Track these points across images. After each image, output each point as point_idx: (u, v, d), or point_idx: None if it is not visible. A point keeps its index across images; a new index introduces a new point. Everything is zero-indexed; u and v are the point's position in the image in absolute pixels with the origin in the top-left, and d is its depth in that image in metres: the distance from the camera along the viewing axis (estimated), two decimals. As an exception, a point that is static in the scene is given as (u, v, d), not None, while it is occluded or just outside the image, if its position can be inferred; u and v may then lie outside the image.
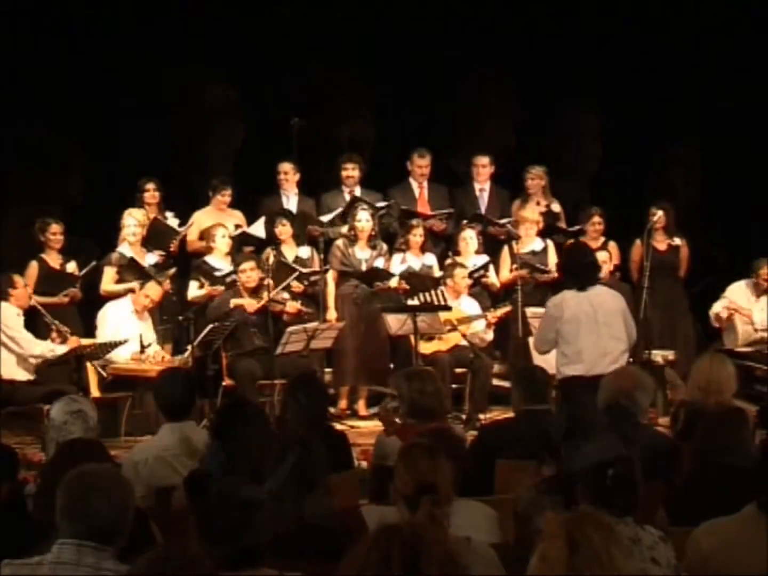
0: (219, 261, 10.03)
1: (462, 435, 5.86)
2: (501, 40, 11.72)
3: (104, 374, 9.10)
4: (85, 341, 9.27)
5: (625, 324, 7.38)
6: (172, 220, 10.40)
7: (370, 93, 11.94)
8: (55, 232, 9.74)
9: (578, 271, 7.52)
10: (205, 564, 3.12)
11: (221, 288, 9.77)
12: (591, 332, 7.21)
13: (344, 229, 10.19)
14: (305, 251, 10.20)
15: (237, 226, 10.43)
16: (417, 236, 10.26)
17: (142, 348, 9.26)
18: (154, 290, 9.45)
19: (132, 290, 9.57)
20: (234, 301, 9.55)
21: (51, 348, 8.98)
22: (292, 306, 9.76)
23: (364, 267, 10.10)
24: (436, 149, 10.96)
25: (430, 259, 10.38)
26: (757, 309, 9.91)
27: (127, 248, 9.93)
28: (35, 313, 9.29)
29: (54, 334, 9.03)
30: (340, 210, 10.32)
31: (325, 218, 10.20)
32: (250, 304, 9.55)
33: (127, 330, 9.29)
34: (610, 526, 3.04)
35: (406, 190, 10.83)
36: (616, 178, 11.62)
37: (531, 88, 11.68)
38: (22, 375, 8.99)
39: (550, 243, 10.47)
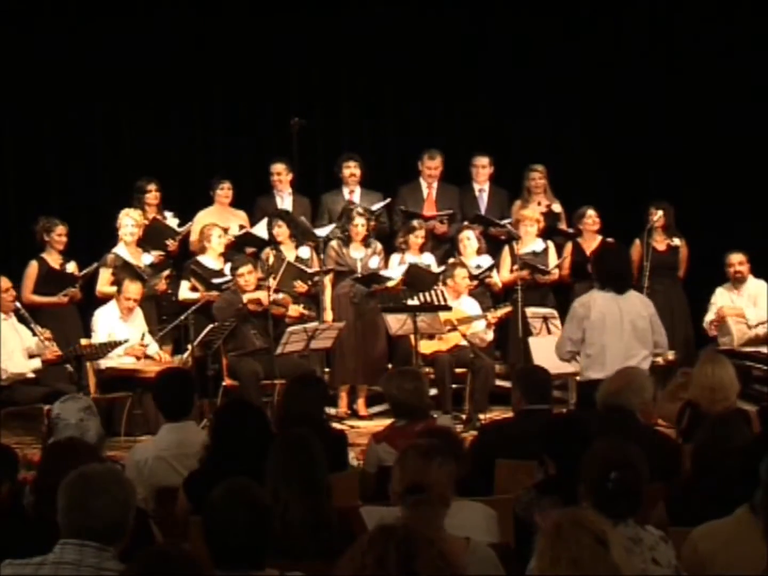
0: (212, 261, 10.02)
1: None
2: (500, 40, 11.73)
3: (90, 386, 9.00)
4: (85, 341, 9.26)
5: (653, 329, 7.32)
6: (172, 220, 10.39)
7: (371, 93, 11.94)
8: (60, 234, 9.72)
9: (613, 275, 7.40)
10: (200, 563, 3.12)
11: (215, 293, 9.75)
12: (615, 334, 7.13)
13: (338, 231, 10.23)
14: (305, 251, 10.21)
15: (241, 227, 10.43)
16: (419, 238, 10.26)
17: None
18: (132, 290, 9.37)
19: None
20: (248, 297, 9.51)
21: (20, 372, 8.88)
22: (295, 310, 9.75)
23: (359, 266, 10.11)
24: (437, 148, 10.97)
25: (429, 258, 10.37)
26: (744, 305, 9.92)
27: (123, 249, 9.91)
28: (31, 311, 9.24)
29: (37, 340, 8.99)
30: (334, 225, 10.29)
31: (321, 232, 10.17)
32: (264, 296, 9.48)
33: (119, 335, 9.24)
34: (603, 530, 3.05)
35: (415, 190, 10.81)
36: (615, 178, 11.61)
37: (529, 87, 11.70)
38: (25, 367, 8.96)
39: (550, 244, 10.47)
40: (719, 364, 6.17)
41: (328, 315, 10.02)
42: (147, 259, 9.97)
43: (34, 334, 9.03)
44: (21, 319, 9.11)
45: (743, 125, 11.24)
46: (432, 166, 10.71)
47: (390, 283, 10.02)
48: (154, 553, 3.11)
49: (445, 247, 10.73)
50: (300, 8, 11.47)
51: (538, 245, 10.39)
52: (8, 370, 8.81)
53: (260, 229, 10.28)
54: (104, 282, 9.85)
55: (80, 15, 11.11)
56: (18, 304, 9.10)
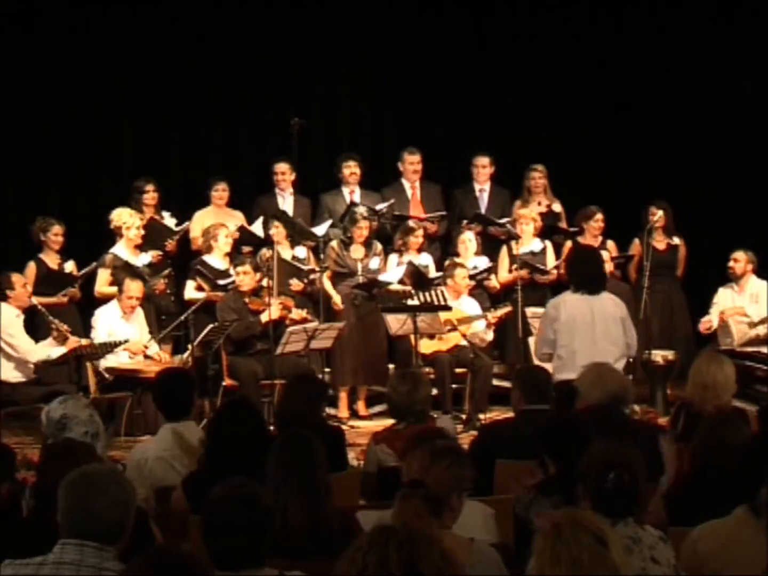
0: (218, 261, 10.02)
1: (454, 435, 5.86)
2: (500, 40, 11.72)
3: (106, 376, 9.04)
4: (85, 341, 9.25)
5: (624, 331, 7.34)
6: (169, 220, 10.38)
7: (371, 92, 11.94)
8: (57, 233, 9.72)
9: (587, 277, 7.45)
10: (200, 563, 3.12)
11: (221, 294, 9.76)
12: (586, 335, 7.20)
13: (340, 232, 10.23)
14: (301, 251, 10.20)
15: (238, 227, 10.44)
16: (418, 238, 10.25)
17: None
18: (134, 288, 9.35)
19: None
20: (264, 320, 9.49)
21: (48, 353, 8.93)
22: (298, 314, 9.74)
23: (359, 267, 10.10)
24: (437, 148, 10.96)
25: (427, 259, 10.37)
26: (746, 304, 9.93)
27: (122, 249, 9.89)
28: (35, 312, 9.26)
29: (55, 333, 9.00)
30: (330, 222, 10.27)
31: (319, 230, 10.16)
32: (273, 313, 9.47)
33: (120, 334, 9.25)
34: (601, 529, 3.05)
35: (399, 191, 10.80)
36: (615, 178, 11.62)
37: (529, 87, 11.71)
38: (20, 377, 8.97)
39: (548, 244, 10.47)
40: (715, 362, 6.14)
41: (336, 299, 9.97)
42: (145, 259, 9.96)
43: (48, 332, 9.06)
44: (36, 316, 9.13)
45: (743, 125, 11.26)
46: (414, 161, 10.70)
47: (393, 287, 10.01)
48: (154, 553, 3.11)
49: (435, 245, 10.72)
50: (300, 8, 11.47)
51: (536, 245, 10.39)
52: (36, 351, 8.89)
53: (256, 229, 10.29)
54: (103, 282, 9.84)
55: (80, 15, 11.11)
56: (34, 300, 9.13)
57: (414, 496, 3.77)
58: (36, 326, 9.29)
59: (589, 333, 7.21)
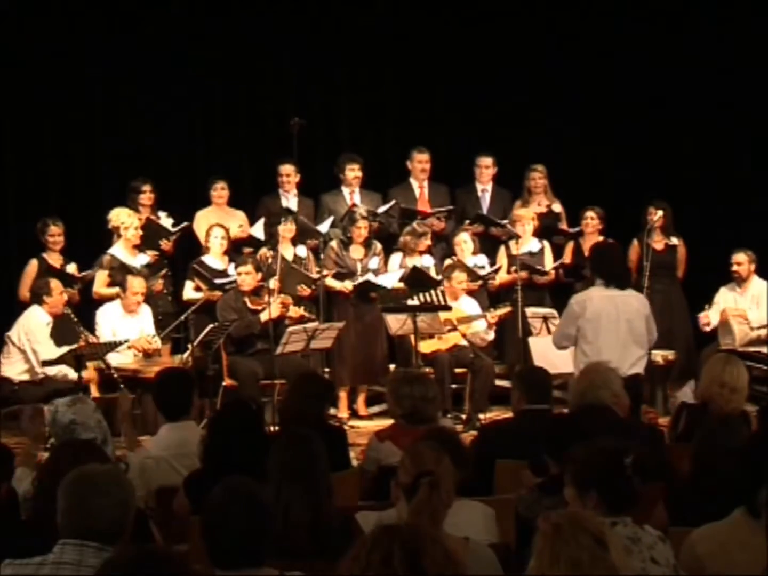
0: (215, 261, 10.03)
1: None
2: (501, 39, 11.72)
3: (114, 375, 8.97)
4: (83, 341, 9.23)
5: (648, 329, 7.35)
6: (166, 220, 10.38)
7: (371, 92, 11.94)
8: (53, 234, 9.72)
9: (617, 271, 7.46)
10: (182, 561, 3.10)
11: (218, 293, 9.76)
12: (611, 333, 7.17)
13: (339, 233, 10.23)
14: (302, 250, 10.20)
15: (240, 228, 10.42)
16: (428, 239, 10.25)
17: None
18: (137, 285, 9.34)
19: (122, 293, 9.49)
20: (264, 318, 9.50)
21: (64, 373, 8.93)
22: (296, 311, 9.73)
23: (359, 267, 10.10)
24: (437, 149, 10.96)
25: (428, 260, 10.37)
26: (747, 306, 9.93)
27: (119, 250, 9.88)
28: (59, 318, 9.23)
29: (83, 343, 8.99)
30: (332, 218, 10.28)
31: (323, 228, 10.17)
32: (273, 312, 9.48)
33: (123, 333, 9.25)
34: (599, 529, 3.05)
35: (407, 190, 10.81)
36: (615, 178, 11.62)
37: (529, 87, 11.70)
38: (28, 377, 8.99)
39: (546, 244, 10.47)
40: (741, 366, 6.16)
41: (344, 285, 10.01)
42: (143, 259, 9.95)
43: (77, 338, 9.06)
44: (68, 322, 9.11)
45: (743, 125, 11.26)
46: (423, 159, 10.71)
47: (394, 286, 10.01)
48: (134, 552, 3.06)
49: (441, 245, 10.72)
50: (300, 8, 11.47)
51: (534, 245, 10.39)
52: (64, 374, 8.91)
53: (257, 230, 10.28)
54: (100, 284, 9.82)
55: (80, 14, 11.12)
56: (68, 310, 9.12)
57: (436, 484, 3.78)
58: (58, 332, 9.25)
59: (613, 331, 7.20)
